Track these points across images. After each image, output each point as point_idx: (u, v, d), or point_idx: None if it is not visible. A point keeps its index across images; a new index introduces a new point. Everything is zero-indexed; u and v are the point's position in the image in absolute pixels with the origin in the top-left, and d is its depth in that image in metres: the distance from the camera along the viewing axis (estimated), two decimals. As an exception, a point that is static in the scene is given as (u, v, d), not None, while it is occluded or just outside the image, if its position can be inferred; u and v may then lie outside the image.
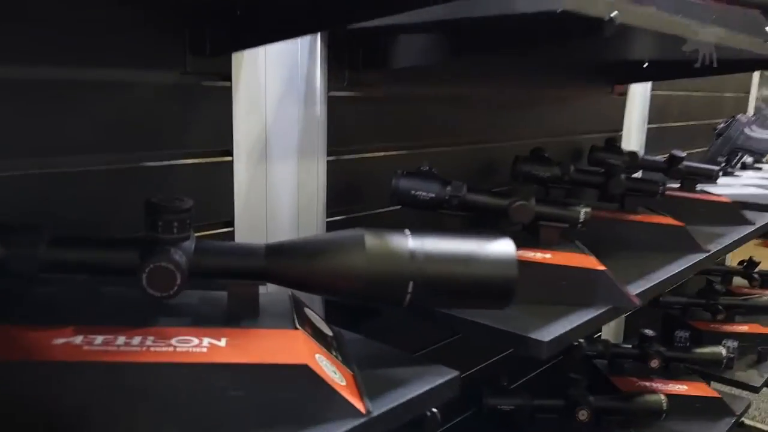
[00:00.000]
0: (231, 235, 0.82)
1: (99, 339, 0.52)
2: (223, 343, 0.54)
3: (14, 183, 0.63)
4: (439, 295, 0.62)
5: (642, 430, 1.31)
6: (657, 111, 1.73)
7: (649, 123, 1.70)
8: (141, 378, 0.50)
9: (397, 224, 0.64)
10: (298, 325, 0.59)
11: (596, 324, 0.80)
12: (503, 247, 0.63)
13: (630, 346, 1.45)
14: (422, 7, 0.61)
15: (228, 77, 0.78)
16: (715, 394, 1.45)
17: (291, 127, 0.86)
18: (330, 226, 0.93)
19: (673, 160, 1.42)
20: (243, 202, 0.82)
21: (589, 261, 0.85)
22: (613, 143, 1.45)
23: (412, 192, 0.92)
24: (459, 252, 0.62)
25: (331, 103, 0.90)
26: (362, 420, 0.53)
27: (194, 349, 0.52)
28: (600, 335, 1.67)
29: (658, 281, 0.94)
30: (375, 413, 0.54)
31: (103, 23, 0.67)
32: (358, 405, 0.54)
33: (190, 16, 0.73)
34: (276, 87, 0.83)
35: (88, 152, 0.68)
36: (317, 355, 0.56)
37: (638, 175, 1.50)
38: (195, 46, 0.74)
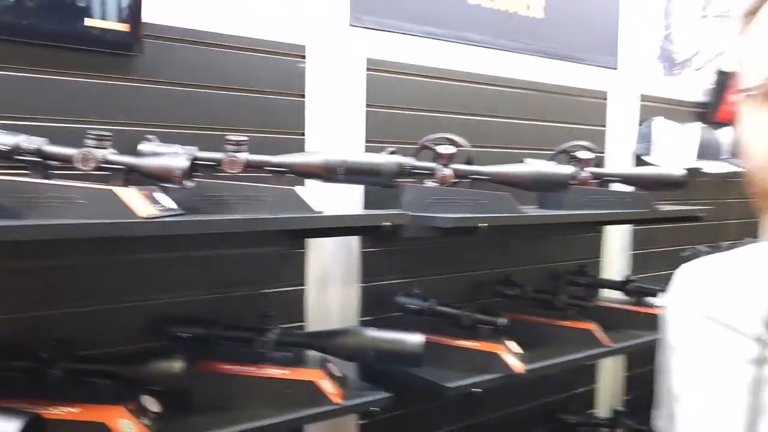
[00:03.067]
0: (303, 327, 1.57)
1: None
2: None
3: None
4: (384, 356, 1.33)
5: None
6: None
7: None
8: None
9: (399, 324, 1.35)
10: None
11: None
12: (417, 338, 1.33)
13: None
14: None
15: (302, 247, 1.56)
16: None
17: (339, 271, 1.62)
18: (362, 323, 1.66)
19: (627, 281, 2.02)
20: (312, 313, 1.58)
21: (497, 347, 1.51)
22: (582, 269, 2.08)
23: (406, 305, 1.64)
24: (396, 336, 1.33)
25: (363, 255, 1.66)
26: None
27: None
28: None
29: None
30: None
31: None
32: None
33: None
34: (331, 251, 1.60)
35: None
36: None
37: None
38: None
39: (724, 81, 2.52)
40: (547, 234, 2.07)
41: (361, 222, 1.31)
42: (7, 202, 1.04)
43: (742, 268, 0.74)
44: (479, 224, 1.40)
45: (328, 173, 1.33)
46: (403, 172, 1.46)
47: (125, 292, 1.35)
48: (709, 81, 2.52)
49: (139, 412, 1.13)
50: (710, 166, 2.40)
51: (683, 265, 0.80)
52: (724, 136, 2.52)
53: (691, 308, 0.75)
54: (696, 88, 2.51)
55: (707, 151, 2.41)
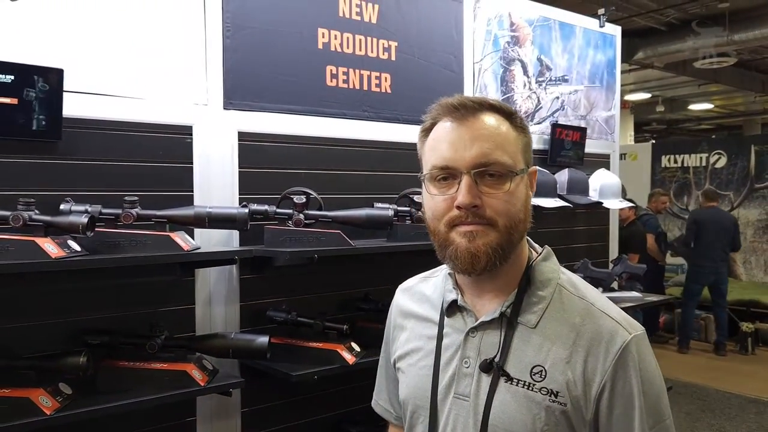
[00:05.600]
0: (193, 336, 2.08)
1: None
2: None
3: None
4: (239, 353, 1.84)
5: None
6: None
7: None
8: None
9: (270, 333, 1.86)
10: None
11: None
12: (263, 338, 1.85)
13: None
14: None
15: (192, 275, 2.08)
16: None
17: (223, 293, 2.14)
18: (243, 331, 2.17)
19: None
20: (200, 326, 2.09)
21: (337, 347, 2.03)
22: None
23: (275, 317, 2.16)
24: (248, 338, 1.85)
25: (242, 281, 2.18)
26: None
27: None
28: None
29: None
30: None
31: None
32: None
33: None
34: (214, 277, 2.12)
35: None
36: (195, 371, 1.80)
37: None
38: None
39: (560, 132, 3.11)
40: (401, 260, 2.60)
41: (209, 257, 1.84)
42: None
43: (431, 281, 1.23)
44: (314, 255, 1.93)
45: (198, 222, 1.86)
46: (261, 217, 2.00)
47: (53, 313, 1.84)
48: (547, 132, 3.11)
49: (55, 392, 1.62)
50: (547, 203, 2.98)
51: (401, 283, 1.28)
52: (560, 177, 3.11)
53: (398, 309, 1.23)
54: (536, 139, 3.10)
55: (545, 190, 2.99)
